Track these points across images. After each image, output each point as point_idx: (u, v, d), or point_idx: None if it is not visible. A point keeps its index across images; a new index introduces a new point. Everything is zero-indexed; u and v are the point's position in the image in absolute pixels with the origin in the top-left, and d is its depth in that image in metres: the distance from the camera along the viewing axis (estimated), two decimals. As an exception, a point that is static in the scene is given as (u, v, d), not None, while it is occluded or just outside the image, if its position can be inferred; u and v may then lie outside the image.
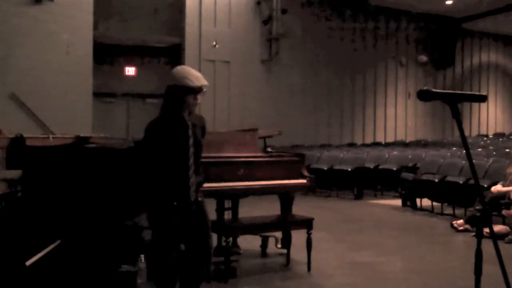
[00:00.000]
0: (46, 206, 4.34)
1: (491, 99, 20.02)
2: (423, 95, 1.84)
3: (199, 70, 12.22)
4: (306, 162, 6.76)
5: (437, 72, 18.89)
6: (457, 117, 1.85)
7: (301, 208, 5.83)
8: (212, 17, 13.82)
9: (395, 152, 12.12)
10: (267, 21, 14.56)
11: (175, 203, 3.15)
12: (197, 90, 3.16)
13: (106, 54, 13.33)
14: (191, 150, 3.17)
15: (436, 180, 8.48)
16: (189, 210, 3.22)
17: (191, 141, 3.16)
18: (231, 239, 4.99)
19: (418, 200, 9.22)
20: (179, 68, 3.28)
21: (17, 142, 6.19)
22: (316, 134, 15.75)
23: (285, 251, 5.22)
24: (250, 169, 4.64)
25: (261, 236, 5.51)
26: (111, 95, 14.13)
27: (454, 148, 12.00)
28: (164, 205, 3.17)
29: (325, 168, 11.16)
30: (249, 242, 5.66)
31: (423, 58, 18.16)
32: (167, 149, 3.13)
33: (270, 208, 5.92)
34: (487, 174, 8.06)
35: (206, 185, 4.47)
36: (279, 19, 14.56)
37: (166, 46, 14.20)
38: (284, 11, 14.53)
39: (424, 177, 8.96)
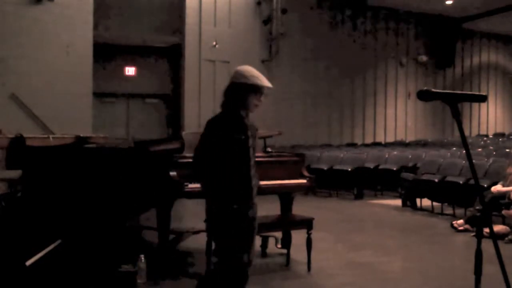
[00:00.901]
0: (46, 206, 4.34)
1: (491, 99, 20.02)
2: (423, 95, 1.84)
3: (199, 70, 12.28)
4: (306, 162, 6.76)
5: (437, 72, 18.89)
6: (457, 117, 1.85)
7: (301, 208, 5.83)
8: (212, 17, 13.82)
9: (395, 152, 12.11)
10: (267, 21, 14.56)
11: (235, 206, 3.00)
12: (263, 91, 3.13)
13: (106, 54, 13.35)
14: (251, 151, 3.09)
15: (436, 180, 8.48)
16: (252, 213, 3.10)
17: (250, 141, 3.09)
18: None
19: (418, 200, 9.21)
20: (246, 67, 3.20)
21: (17, 142, 6.18)
22: (316, 134, 15.74)
23: (285, 251, 5.22)
24: (250, 169, 4.64)
25: (261, 236, 5.51)
26: (111, 95, 14.15)
27: (454, 148, 11.99)
28: (230, 208, 3.02)
29: (325, 168, 11.15)
30: (249, 242, 5.66)
31: (423, 58, 18.17)
32: (234, 147, 3.03)
33: (270, 208, 5.91)
34: (487, 174, 8.06)
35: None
36: (279, 19, 14.56)
37: (166, 46, 14.21)
38: (284, 11, 14.53)
39: (424, 177, 8.96)
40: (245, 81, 3.07)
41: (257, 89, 3.09)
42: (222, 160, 3.02)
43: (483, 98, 2.03)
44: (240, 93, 3.08)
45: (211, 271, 3.19)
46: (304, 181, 5.05)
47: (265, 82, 3.11)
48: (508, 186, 6.83)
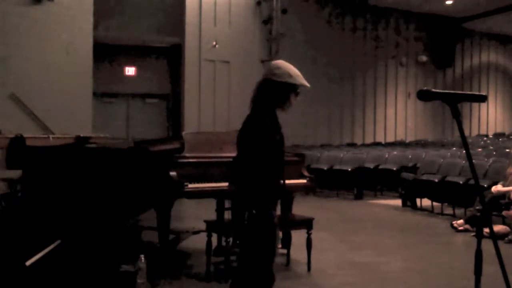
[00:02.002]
0: (46, 206, 4.35)
1: (491, 99, 20.02)
2: (423, 95, 1.84)
3: (199, 70, 12.28)
4: (306, 162, 6.76)
5: (437, 72, 18.89)
6: (457, 117, 1.85)
7: (301, 208, 5.83)
8: (212, 17, 13.82)
9: (395, 152, 12.11)
10: (267, 21, 14.56)
11: (266, 210, 2.86)
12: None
13: (106, 54, 13.34)
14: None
15: (436, 180, 8.48)
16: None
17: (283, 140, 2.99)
18: (231, 239, 4.99)
19: (418, 200, 9.22)
20: (286, 64, 3.02)
21: (17, 142, 6.19)
22: (316, 134, 15.74)
23: (285, 251, 5.21)
24: (250, 169, 4.63)
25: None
26: (111, 95, 14.14)
27: (454, 148, 11.99)
28: (271, 206, 2.91)
29: (325, 168, 11.15)
30: (249, 242, 5.65)
31: (423, 58, 18.17)
32: (272, 149, 2.88)
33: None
34: (487, 174, 8.05)
35: (206, 185, 4.49)
36: (279, 19, 14.56)
37: (166, 46, 14.21)
38: (284, 11, 14.53)
39: (424, 177, 8.96)
40: (290, 81, 2.91)
41: (297, 89, 2.96)
42: (261, 162, 2.86)
43: (483, 98, 2.03)
44: (283, 92, 2.92)
45: (239, 276, 3.05)
46: (304, 181, 5.05)
47: (305, 82, 2.98)
48: (508, 186, 6.82)
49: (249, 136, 2.90)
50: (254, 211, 2.85)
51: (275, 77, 2.91)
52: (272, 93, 2.92)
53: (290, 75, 2.92)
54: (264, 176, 2.88)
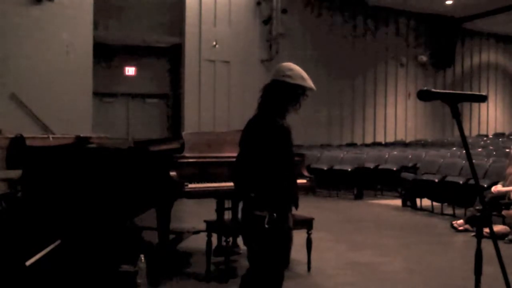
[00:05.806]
0: (46, 206, 4.35)
1: (491, 99, 20.02)
2: (423, 95, 1.84)
3: (199, 70, 12.29)
4: (306, 162, 6.76)
5: (437, 72, 18.89)
6: (457, 117, 1.85)
7: (301, 208, 5.81)
8: (212, 17, 13.83)
9: (395, 152, 12.11)
10: (267, 21, 14.57)
11: (274, 215, 2.86)
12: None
13: (106, 54, 13.35)
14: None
15: (436, 180, 8.48)
16: (290, 222, 2.98)
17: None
18: (231, 239, 4.99)
19: (418, 200, 9.22)
20: (295, 65, 2.99)
21: (17, 142, 6.19)
22: (316, 134, 15.74)
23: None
24: (250, 169, 4.63)
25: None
26: (111, 95, 14.15)
27: (454, 148, 11.99)
28: (285, 213, 2.93)
29: (325, 168, 11.15)
30: (249, 242, 5.64)
31: (423, 58, 18.17)
32: (283, 152, 2.91)
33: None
34: (487, 174, 8.05)
35: (206, 185, 4.49)
36: (279, 19, 14.56)
37: (166, 46, 14.22)
38: (284, 11, 14.54)
39: (424, 177, 8.96)
40: (303, 83, 2.90)
41: (306, 92, 2.95)
42: (272, 166, 2.86)
43: (483, 98, 2.03)
44: (295, 94, 2.92)
45: (248, 276, 3.04)
46: (304, 181, 5.04)
47: (313, 85, 2.97)
48: (508, 186, 6.82)
49: (266, 138, 2.87)
50: (275, 214, 2.83)
51: (289, 79, 2.89)
52: (285, 95, 2.92)
53: (302, 78, 2.92)
54: (286, 178, 2.90)
